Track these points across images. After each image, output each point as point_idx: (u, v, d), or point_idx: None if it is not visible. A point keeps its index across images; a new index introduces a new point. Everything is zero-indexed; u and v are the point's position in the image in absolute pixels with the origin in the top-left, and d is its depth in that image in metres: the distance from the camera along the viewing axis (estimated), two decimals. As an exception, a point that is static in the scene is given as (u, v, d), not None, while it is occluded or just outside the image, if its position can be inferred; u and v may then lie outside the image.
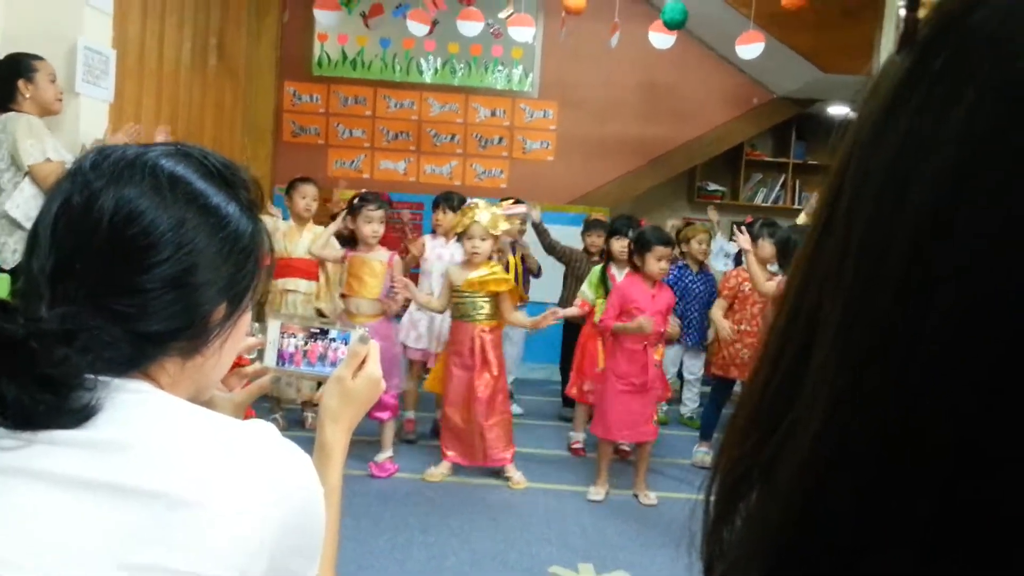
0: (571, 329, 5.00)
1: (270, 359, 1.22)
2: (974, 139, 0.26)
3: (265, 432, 0.80)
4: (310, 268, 4.58)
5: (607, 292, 4.59)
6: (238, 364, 1.12)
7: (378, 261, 4.14)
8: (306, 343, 1.21)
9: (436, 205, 4.78)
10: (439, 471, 4.11)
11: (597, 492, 3.96)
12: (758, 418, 0.34)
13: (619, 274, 4.61)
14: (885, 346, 0.27)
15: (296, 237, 4.55)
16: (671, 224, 5.65)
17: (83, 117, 3.67)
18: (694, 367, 5.37)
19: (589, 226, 5.42)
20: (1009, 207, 0.25)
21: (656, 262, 3.86)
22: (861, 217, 0.29)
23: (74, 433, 0.72)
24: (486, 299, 4.03)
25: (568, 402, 5.11)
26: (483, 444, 4.03)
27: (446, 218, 4.64)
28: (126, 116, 4.26)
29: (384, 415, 4.06)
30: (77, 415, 0.72)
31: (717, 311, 4.53)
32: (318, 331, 1.22)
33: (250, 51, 6.18)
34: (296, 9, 6.34)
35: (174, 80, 4.94)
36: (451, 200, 4.71)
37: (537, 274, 5.30)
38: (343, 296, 4.25)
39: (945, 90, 0.27)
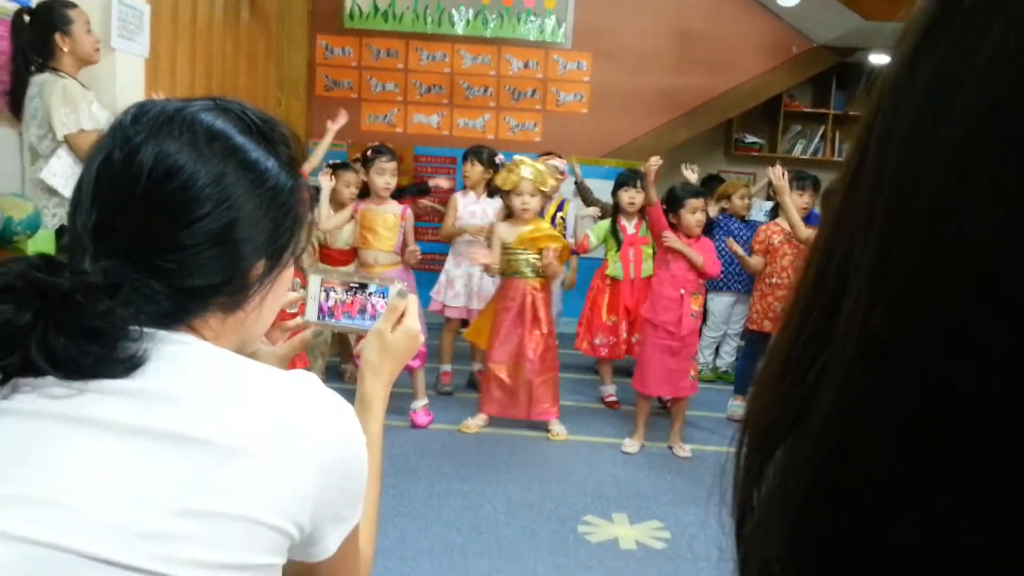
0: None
1: (311, 313, 1.24)
2: (1001, 75, 0.26)
3: (309, 382, 0.82)
4: (346, 257, 4.42)
5: (619, 245, 4.58)
6: (281, 318, 1.14)
7: (391, 214, 4.14)
8: (346, 297, 1.23)
9: (465, 158, 4.76)
10: (475, 423, 4.16)
11: (632, 444, 3.99)
12: (788, 369, 0.33)
13: (629, 225, 4.58)
14: (918, 290, 0.27)
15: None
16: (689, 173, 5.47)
17: (119, 73, 3.68)
18: (737, 323, 5.32)
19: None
20: (1003, 163, 0.25)
21: (691, 215, 3.86)
22: (891, 161, 0.29)
23: (124, 382, 0.74)
24: (536, 256, 4.02)
25: None
26: (528, 400, 4.06)
27: (474, 171, 4.62)
28: (161, 72, 4.28)
29: (415, 363, 4.09)
30: (125, 365, 0.74)
31: (755, 262, 4.49)
32: (357, 285, 1.23)
33: (282, 4, 6.15)
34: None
35: (207, 35, 4.94)
36: (480, 153, 4.69)
37: None
38: (356, 249, 4.24)
39: (972, 30, 0.27)
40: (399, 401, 4.14)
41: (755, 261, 4.47)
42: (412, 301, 1.15)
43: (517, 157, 4.18)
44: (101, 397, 0.73)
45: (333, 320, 1.24)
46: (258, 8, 5.67)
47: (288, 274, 0.91)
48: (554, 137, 6.55)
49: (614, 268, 4.65)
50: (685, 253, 3.84)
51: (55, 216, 3.18)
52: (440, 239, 4.92)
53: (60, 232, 3.09)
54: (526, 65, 6.68)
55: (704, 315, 5.36)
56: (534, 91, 6.70)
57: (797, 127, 7.34)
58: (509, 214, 4.13)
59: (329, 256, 4.44)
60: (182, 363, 0.77)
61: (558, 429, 4.12)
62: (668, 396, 4.13)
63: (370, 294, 1.23)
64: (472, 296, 4.60)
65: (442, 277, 4.70)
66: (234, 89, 5.34)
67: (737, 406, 4.58)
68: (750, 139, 7.30)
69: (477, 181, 4.63)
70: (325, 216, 4.24)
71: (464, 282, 4.61)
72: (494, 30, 6.65)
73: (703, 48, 6.63)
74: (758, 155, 7.25)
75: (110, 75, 3.62)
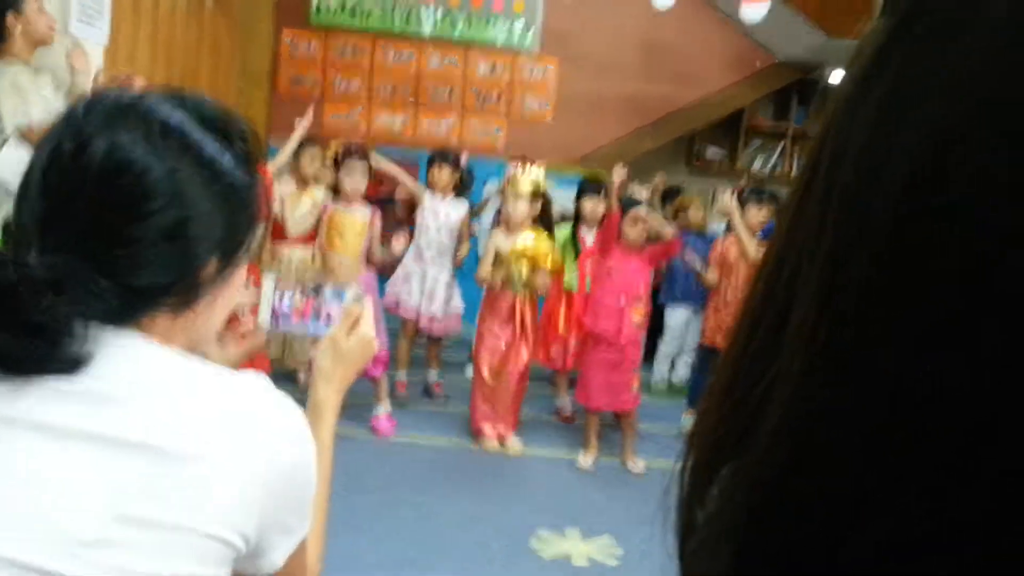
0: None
1: (264, 315, 1.21)
2: (958, 94, 0.26)
3: (258, 385, 0.81)
4: (306, 234, 4.39)
5: (577, 254, 4.58)
6: (233, 321, 1.11)
7: (360, 217, 4.07)
8: (300, 300, 1.21)
9: (431, 162, 4.71)
10: (491, 442, 4.09)
11: (586, 459, 3.99)
12: (735, 385, 0.33)
13: (588, 236, 4.58)
14: (866, 307, 0.28)
15: (296, 202, 4.31)
16: (639, 189, 5.44)
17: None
18: (694, 337, 5.34)
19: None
20: (994, 158, 0.25)
21: (632, 226, 3.88)
22: (843, 175, 0.29)
23: (67, 383, 0.72)
24: (530, 269, 4.02)
25: None
26: (504, 411, 4.08)
27: (442, 175, 4.58)
28: (121, 59, 4.17)
29: (376, 371, 4.04)
30: (69, 363, 0.72)
31: (710, 277, 4.53)
32: (312, 289, 1.21)
33: (247, -5, 6.05)
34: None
35: (170, 22, 4.83)
36: (447, 156, 4.63)
37: None
38: (322, 251, 4.18)
39: (928, 49, 0.28)
40: (358, 410, 4.09)
41: (712, 275, 4.50)
42: (367, 307, 1.15)
43: (514, 165, 4.22)
44: (43, 397, 0.72)
45: (286, 324, 1.22)
46: (223, -3, 5.57)
47: (241, 273, 0.89)
48: (518, 143, 6.52)
49: (569, 278, 4.63)
50: (660, 229, 3.89)
51: (1, 208, 3.07)
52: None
53: (7, 227, 2.99)
54: (493, 69, 6.65)
55: (661, 329, 5.40)
56: (500, 96, 6.67)
57: (758, 142, 7.44)
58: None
59: (283, 239, 4.35)
60: (128, 363, 0.75)
61: (514, 443, 4.10)
62: (609, 409, 4.13)
63: (324, 299, 1.21)
64: (424, 297, 4.53)
65: (400, 271, 4.60)
66: (195, 79, 5.23)
67: (690, 420, 4.61)
68: (711, 151, 7.37)
69: (446, 185, 4.58)
70: (291, 224, 4.15)
71: (419, 280, 4.53)
72: (462, 32, 6.61)
73: (669, 59, 6.69)
74: (718, 168, 7.33)
75: (67, 61, 3.51)
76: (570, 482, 3.80)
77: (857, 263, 0.28)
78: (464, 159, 4.66)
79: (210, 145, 0.81)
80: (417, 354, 4.80)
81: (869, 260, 0.28)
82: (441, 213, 4.55)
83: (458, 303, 4.57)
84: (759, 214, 4.30)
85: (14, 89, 3.00)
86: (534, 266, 4.01)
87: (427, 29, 6.58)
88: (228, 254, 0.83)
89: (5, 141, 3.01)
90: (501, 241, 4.05)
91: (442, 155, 4.66)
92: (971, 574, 0.26)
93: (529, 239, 3.99)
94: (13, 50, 3.08)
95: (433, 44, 6.60)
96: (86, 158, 0.75)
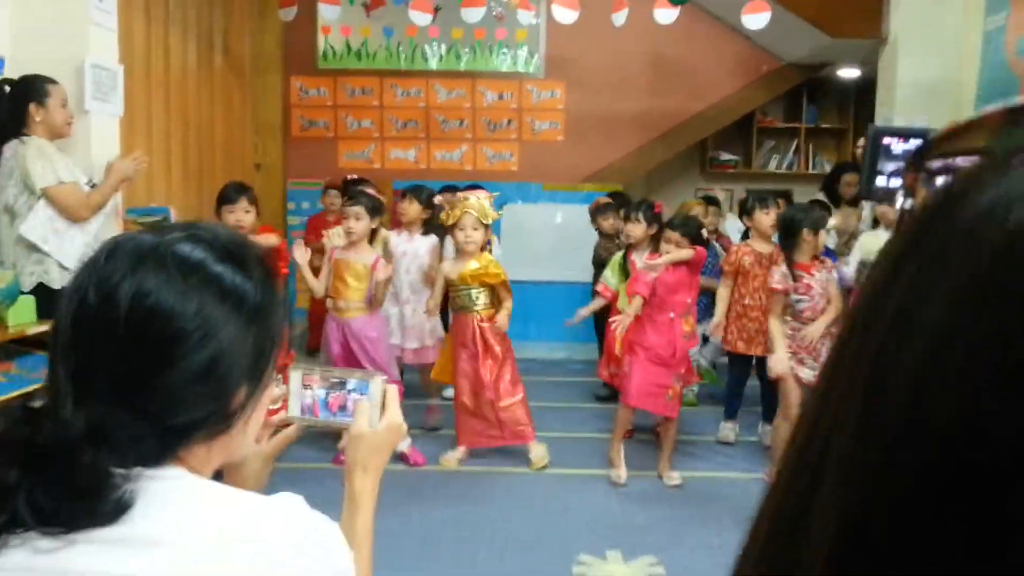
0: (602, 312, 5.00)
1: (294, 409, 1.25)
2: (950, 324, 0.29)
3: (294, 512, 0.83)
4: None
5: (627, 277, 4.62)
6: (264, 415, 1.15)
7: (361, 264, 4.09)
8: (327, 394, 1.24)
9: (403, 196, 4.78)
10: (455, 456, 4.20)
11: (618, 475, 3.97)
12: (774, 538, 0.36)
13: (638, 259, 4.61)
14: (884, 488, 0.30)
15: None
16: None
17: (94, 134, 3.69)
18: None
19: (600, 209, 5.54)
20: (982, 375, 0.28)
21: (665, 245, 3.95)
22: (864, 365, 0.32)
23: (110, 531, 0.74)
24: (481, 290, 4.13)
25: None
26: (499, 423, 4.15)
27: (412, 208, 4.67)
28: (137, 127, 4.29)
29: None
30: (111, 514, 0.74)
31: (722, 289, 4.53)
32: (337, 381, 1.25)
33: (255, 48, 6.18)
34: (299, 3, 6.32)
35: (182, 85, 4.96)
36: (420, 192, 4.74)
37: None
38: (329, 296, 4.21)
39: (929, 274, 0.31)
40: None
41: (724, 285, 4.52)
42: (392, 392, 1.18)
43: (461, 193, 4.30)
44: (87, 548, 0.74)
45: (314, 416, 1.26)
46: (231, 53, 5.70)
47: (271, 388, 0.91)
48: (531, 165, 6.61)
49: (623, 300, 4.65)
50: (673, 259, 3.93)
51: (32, 274, 3.20)
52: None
53: (37, 292, 3.13)
54: (500, 96, 6.73)
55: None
56: (510, 121, 6.75)
57: (771, 142, 7.42)
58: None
59: None
60: (167, 504, 0.77)
61: (537, 454, 4.15)
62: (647, 409, 4.12)
63: (350, 391, 1.24)
64: (403, 333, 4.68)
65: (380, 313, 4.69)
66: (210, 136, 5.35)
67: (729, 428, 4.61)
68: (725, 157, 7.37)
69: (413, 219, 4.69)
70: (315, 285, 4.18)
71: (397, 320, 4.68)
72: (468, 63, 6.70)
73: (675, 71, 6.71)
74: (734, 172, 7.33)
75: (85, 137, 3.63)
76: (609, 500, 3.80)
77: (871, 450, 0.30)
78: (438, 200, 4.59)
79: (230, 275, 0.83)
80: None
81: (878, 452, 0.30)
82: (409, 252, 4.66)
83: (439, 331, 4.73)
84: (767, 218, 4.35)
85: (40, 153, 3.19)
86: (488, 286, 4.12)
87: (433, 64, 6.67)
88: (257, 377, 0.85)
89: (32, 206, 3.17)
90: (449, 269, 4.17)
91: (415, 190, 4.75)
92: None
93: (473, 264, 4.09)
94: (32, 135, 3.25)
95: (440, 78, 6.70)
96: (113, 307, 0.76)
